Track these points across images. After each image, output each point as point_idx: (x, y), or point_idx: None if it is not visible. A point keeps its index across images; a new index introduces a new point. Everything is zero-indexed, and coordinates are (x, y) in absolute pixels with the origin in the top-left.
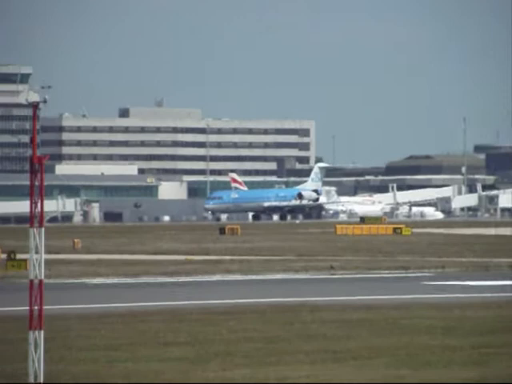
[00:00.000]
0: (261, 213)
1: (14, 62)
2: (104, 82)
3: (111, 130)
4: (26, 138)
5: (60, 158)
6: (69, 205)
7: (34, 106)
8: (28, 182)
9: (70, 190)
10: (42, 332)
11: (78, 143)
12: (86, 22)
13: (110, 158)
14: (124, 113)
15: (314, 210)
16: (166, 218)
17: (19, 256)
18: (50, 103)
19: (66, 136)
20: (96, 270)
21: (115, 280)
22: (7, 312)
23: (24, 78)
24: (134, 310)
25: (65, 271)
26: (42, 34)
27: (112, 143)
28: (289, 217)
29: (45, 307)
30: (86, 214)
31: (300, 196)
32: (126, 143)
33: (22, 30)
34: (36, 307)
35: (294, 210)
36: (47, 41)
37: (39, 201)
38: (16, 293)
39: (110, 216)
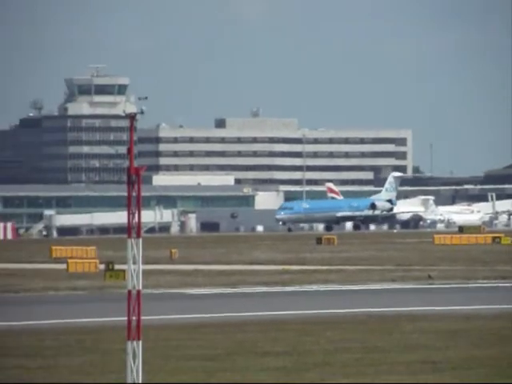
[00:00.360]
0: (333, 223)
1: (111, 73)
2: (200, 93)
3: (208, 140)
4: (123, 149)
5: (157, 168)
6: (166, 215)
7: (131, 117)
8: (125, 193)
9: (167, 201)
10: (140, 342)
11: (175, 154)
12: (182, 32)
13: (206, 168)
14: (220, 123)
15: (412, 220)
16: (260, 228)
17: (117, 266)
18: (146, 114)
19: (162, 147)
20: (193, 280)
21: (212, 290)
22: (106, 322)
23: (121, 90)
24: (231, 320)
25: (162, 281)
26: (138, 45)
27: (208, 154)
28: (385, 226)
29: (143, 317)
30: (183, 225)
31: (373, 206)
32: (222, 153)
33: (119, 42)
34: (134, 317)
35: (366, 220)
36: (144, 51)
37: (137, 211)
38: (114, 303)
39: (206, 226)
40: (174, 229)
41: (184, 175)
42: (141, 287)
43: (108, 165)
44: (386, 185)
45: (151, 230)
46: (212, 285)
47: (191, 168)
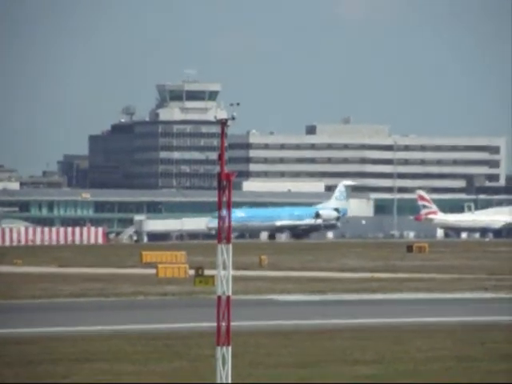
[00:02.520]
0: (275, 232)
1: (202, 79)
2: (291, 99)
3: (298, 147)
4: (214, 155)
5: (247, 174)
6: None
7: (223, 123)
8: (216, 199)
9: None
10: (230, 348)
11: (265, 160)
12: (273, 39)
13: (296, 175)
14: (311, 130)
15: (504, 230)
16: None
17: (207, 272)
18: (237, 120)
19: (253, 153)
20: (282, 287)
21: (301, 297)
22: (195, 328)
23: (212, 96)
24: (320, 327)
25: (251, 287)
26: (230, 51)
27: (299, 160)
28: (477, 235)
29: (232, 323)
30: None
31: (318, 215)
32: (312, 160)
33: (210, 48)
34: (223, 323)
35: (309, 230)
36: (235, 58)
37: (227, 217)
38: (203, 309)
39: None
40: (264, 235)
41: (274, 182)
42: (230, 293)
43: (198, 170)
44: (336, 193)
45: (241, 236)
46: (301, 291)
47: (281, 174)
